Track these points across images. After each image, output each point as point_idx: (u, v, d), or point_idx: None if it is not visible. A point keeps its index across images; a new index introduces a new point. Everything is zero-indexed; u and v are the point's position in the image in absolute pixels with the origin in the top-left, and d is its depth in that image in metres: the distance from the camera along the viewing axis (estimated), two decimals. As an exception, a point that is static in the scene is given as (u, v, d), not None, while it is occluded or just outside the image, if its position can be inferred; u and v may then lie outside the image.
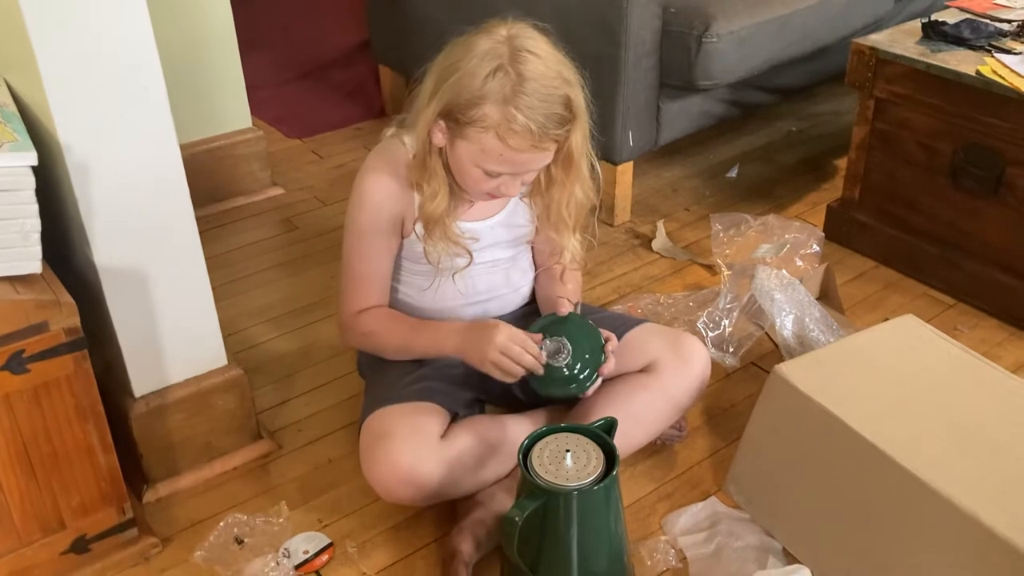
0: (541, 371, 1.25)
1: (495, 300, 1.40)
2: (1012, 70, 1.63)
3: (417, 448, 1.23)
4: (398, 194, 1.30)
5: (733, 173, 2.30)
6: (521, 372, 1.24)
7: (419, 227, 1.30)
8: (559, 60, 1.20)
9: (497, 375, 1.25)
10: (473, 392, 1.37)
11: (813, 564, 1.20)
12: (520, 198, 1.36)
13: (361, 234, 1.33)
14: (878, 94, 1.81)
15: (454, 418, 1.33)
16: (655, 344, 1.37)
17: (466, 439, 1.28)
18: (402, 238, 1.34)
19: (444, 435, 1.28)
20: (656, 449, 1.45)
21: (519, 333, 1.24)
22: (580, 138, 1.24)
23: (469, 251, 1.31)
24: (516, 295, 1.43)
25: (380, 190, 1.30)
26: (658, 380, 1.34)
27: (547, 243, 1.40)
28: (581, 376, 1.27)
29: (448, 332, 1.31)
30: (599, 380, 1.28)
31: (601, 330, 1.29)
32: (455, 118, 1.19)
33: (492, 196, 1.28)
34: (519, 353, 1.23)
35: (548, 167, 1.27)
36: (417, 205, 1.29)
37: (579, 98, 1.21)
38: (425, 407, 1.29)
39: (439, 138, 1.22)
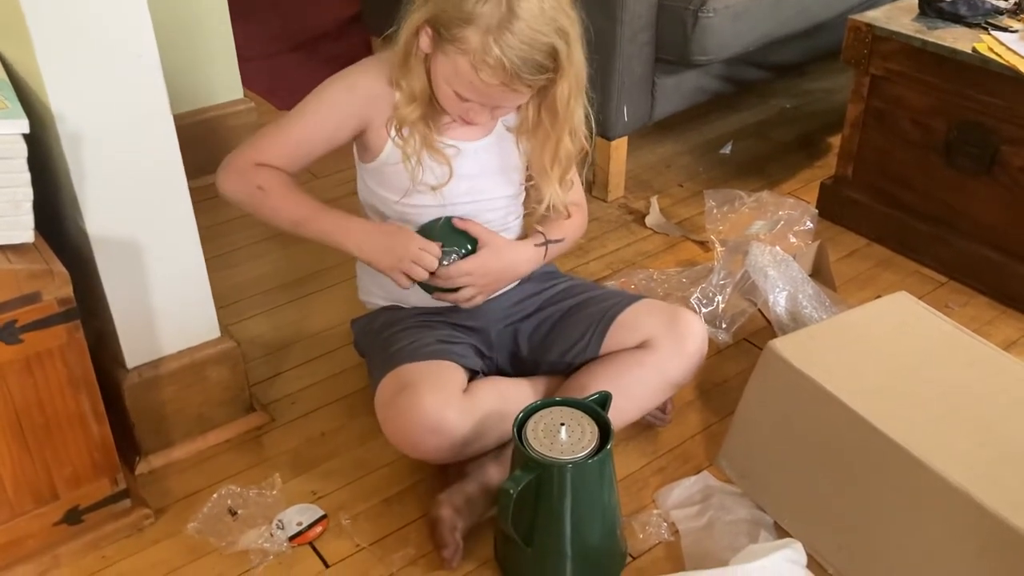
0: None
1: None
2: (1008, 48, 1.63)
3: (443, 396, 1.23)
4: (379, 93, 1.26)
5: (727, 150, 2.29)
6: (425, 276, 1.26)
7: (397, 138, 1.27)
8: (560, 8, 1.17)
9: (398, 279, 1.27)
10: (478, 363, 1.37)
11: (804, 538, 1.21)
12: (507, 130, 1.33)
13: (323, 102, 1.29)
14: (873, 71, 1.80)
15: (472, 378, 1.32)
16: (651, 322, 1.36)
17: (488, 394, 1.28)
18: (376, 155, 1.31)
19: (465, 391, 1.28)
20: (649, 424, 1.46)
21: (430, 244, 1.26)
22: (566, 91, 1.22)
23: (450, 162, 1.28)
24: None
25: (365, 79, 1.27)
26: (653, 356, 1.34)
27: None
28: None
29: (356, 225, 1.29)
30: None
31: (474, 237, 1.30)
32: (439, 31, 1.17)
33: (465, 121, 1.26)
34: (431, 261, 1.25)
35: (536, 108, 1.26)
36: (395, 104, 1.26)
37: (569, 51, 1.18)
38: (444, 364, 1.29)
39: (426, 43, 1.20)
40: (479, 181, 1.33)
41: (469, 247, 1.30)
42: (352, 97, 1.28)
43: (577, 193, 1.44)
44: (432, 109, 1.26)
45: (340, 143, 1.32)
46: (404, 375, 1.27)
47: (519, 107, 1.28)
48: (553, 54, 1.16)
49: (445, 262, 1.28)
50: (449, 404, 1.23)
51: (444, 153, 1.28)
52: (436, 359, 1.29)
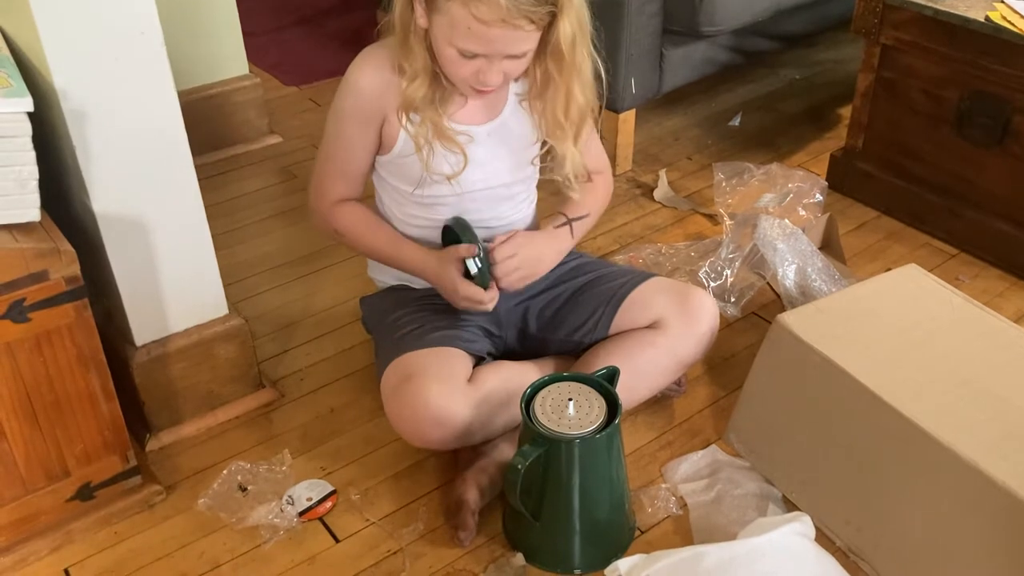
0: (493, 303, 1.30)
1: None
2: (1022, 16, 1.60)
3: (447, 388, 1.22)
4: (383, 84, 1.25)
5: (736, 122, 2.28)
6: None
7: (409, 126, 1.26)
8: None
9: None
10: (486, 345, 1.36)
11: (813, 511, 1.21)
12: (519, 102, 1.31)
13: (341, 118, 1.29)
14: (884, 41, 1.78)
15: (478, 364, 1.32)
16: (662, 302, 1.35)
17: (493, 381, 1.27)
18: (390, 147, 1.30)
19: (470, 379, 1.27)
20: (657, 399, 1.45)
21: (470, 288, 1.27)
22: (570, 29, 1.17)
23: (463, 149, 1.26)
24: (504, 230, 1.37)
25: (364, 76, 1.26)
26: (664, 337, 1.33)
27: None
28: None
29: (427, 260, 1.31)
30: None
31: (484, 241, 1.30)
32: None
33: (479, 90, 1.22)
34: (477, 306, 1.28)
35: (543, 63, 1.22)
36: (401, 89, 1.24)
37: None
38: (450, 351, 1.28)
39: (421, 15, 1.17)
40: (492, 166, 1.32)
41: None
42: (359, 100, 1.27)
43: (599, 159, 1.42)
44: (439, 90, 1.24)
45: (376, 140, 1.30)
46: (409, 363, 1.26)
47: (527, 72, 1.24)
48: None
49: (480, 254, 1.27)
50: (453, 396, 1.22)
51: (456, 140, 1.26)
52: (441, 346, 1.28)
